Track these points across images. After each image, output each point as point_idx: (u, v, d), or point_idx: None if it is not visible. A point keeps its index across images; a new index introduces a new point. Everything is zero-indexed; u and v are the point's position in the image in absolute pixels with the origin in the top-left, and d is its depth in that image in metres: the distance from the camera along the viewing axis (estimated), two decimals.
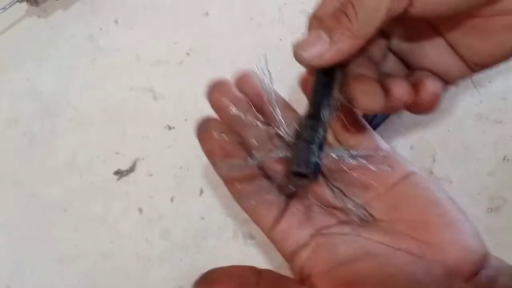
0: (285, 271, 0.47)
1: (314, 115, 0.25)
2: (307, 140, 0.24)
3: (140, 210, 0.44)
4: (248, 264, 0.44)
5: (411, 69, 0.32)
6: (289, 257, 0.29)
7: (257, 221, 0.30)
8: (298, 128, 0.25)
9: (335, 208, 0.29)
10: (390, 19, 0.25)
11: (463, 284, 0.27)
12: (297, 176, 0.24)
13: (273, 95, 0.27)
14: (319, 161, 0.24)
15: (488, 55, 0.29)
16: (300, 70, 0.47)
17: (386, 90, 0.28)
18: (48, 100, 0.45)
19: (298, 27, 0.47)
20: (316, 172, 0.24)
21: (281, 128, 0.25)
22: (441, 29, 0.30)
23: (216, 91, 0.32)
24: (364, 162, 0.26)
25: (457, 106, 0.46)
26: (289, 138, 0.25)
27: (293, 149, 0.24)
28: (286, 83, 0.46)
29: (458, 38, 0.29)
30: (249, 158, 0.26)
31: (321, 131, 0.24)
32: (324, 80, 0.27)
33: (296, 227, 0.29)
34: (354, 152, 0.26)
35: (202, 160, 0.45)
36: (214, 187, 0.44)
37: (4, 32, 0.46)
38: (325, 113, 0.25)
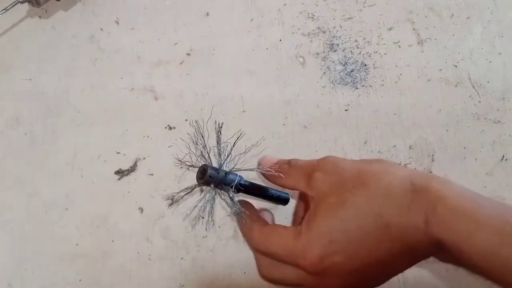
0: None
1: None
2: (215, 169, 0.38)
3: (141, 210, 0.44)
4: (247, 265, 0.44)
5: None
6: None
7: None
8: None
9: None
10: None
11: None
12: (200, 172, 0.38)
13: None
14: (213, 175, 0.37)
15: None
16: (298, 71, 0.47)
17: None
18: (50, 100, 0.45)
19: (298, 28, 0.48)
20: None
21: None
22: None
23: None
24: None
25: (456, 106, 0.47)
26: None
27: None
28: (284, 82, 0.46)
29: None
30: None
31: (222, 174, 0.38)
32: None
33: None
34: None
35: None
36: None
37: (6, 33, 0.46)
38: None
